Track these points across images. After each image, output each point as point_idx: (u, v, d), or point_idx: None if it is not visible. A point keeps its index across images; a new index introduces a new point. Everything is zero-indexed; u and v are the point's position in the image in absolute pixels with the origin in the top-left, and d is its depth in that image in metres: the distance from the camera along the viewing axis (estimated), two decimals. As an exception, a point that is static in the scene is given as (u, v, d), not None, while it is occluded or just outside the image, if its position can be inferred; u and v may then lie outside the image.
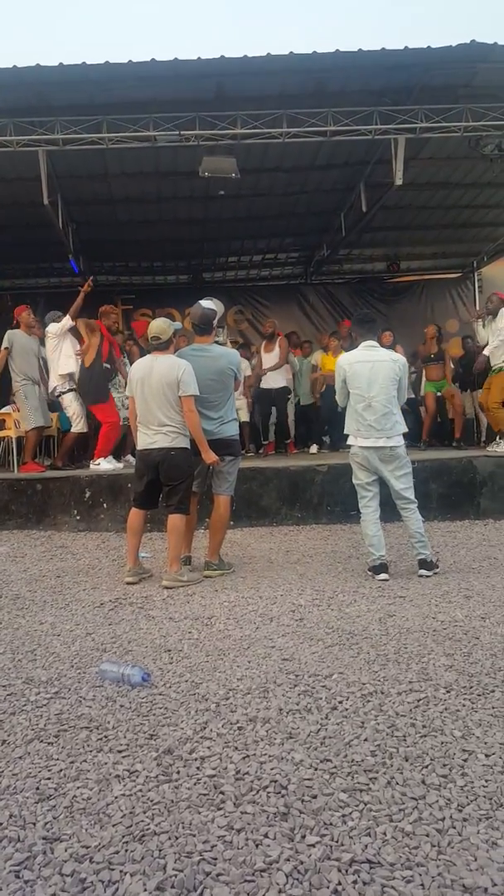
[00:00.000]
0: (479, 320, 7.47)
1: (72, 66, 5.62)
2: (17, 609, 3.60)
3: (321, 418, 8.30)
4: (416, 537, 4.12)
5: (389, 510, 4.31)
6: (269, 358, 7.98)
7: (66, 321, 6.62)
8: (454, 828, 1.60)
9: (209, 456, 4.07)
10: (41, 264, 10.54)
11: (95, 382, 6.45)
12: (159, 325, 4.13)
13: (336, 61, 5.82)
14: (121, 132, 6.39)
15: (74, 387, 6.69)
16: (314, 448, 8.09)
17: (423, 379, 8.17)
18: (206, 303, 4.29)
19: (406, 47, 5.66)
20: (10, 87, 5.87)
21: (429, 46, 5.63)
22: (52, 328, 6.67)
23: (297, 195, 8.71)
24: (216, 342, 4.43)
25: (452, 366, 8.28)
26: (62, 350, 6.66)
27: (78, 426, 6.77)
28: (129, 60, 5.65)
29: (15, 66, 5.58)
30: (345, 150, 7.43)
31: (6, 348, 6.51)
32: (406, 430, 4.24)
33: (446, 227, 10.09)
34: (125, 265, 11.23)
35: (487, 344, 6.96)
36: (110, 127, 6.37)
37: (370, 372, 4.12)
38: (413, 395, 8.08)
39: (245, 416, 7.92)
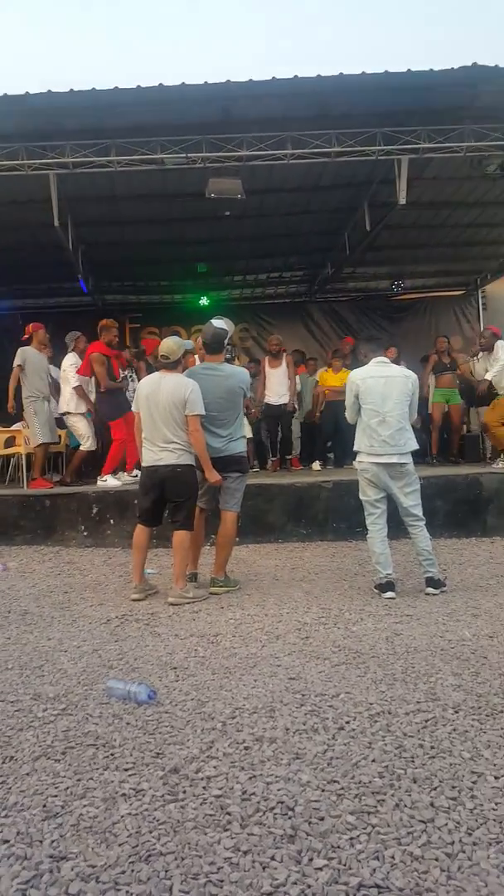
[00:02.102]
0: (475, 357, 7.62)
1: (82, 91, 5.73)
2: (25, 625, 3.61)
3: (323, 435, 8.31)
4: (424, 555, 4.11)
5: (395, 527, 4.31)
6: (276, 373, 8.02)
7: (73, 378, 6.82)
8: (464, 852, 1.58)
9: (212, 475, 4.09)
10: (51, 284, 10.67)
11: (111, 402, 6.60)
12: (169, 346, 4.18)
13: (340, 84, 5.92)
14: (129, 155, 6.51)
15: (82, 410, 6.81)
16: (317, 465, 8.11)
17: (432, 390, 8.22)
18: (218, 322, 4.34)
19: (409, 70, 5.76)
20: (22, 112, 5.99)
21: (431, 69, 5.72)
22: (67, 367, 6.88)
23: (302, 215, 8.81)
24: (226, 360, 4.48)
25: (458, 382, 8.33)
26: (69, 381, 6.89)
27: (87, 445, 6.86)
28: (138, 86, 5.76)
29: (27, 92, 5.70)
30: (349, 171, 7.53)
31: (19, 365, 6.59)
32: (417, 446, 4.25)
33: (450, 245, 10.17)
34: (133, 284, 11.37)
35: (487, 372, 7.04)
36: (119, 150, 6.49)
37: (384, 387, 4.13)
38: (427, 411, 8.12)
39: (248, 433, 7.93)
